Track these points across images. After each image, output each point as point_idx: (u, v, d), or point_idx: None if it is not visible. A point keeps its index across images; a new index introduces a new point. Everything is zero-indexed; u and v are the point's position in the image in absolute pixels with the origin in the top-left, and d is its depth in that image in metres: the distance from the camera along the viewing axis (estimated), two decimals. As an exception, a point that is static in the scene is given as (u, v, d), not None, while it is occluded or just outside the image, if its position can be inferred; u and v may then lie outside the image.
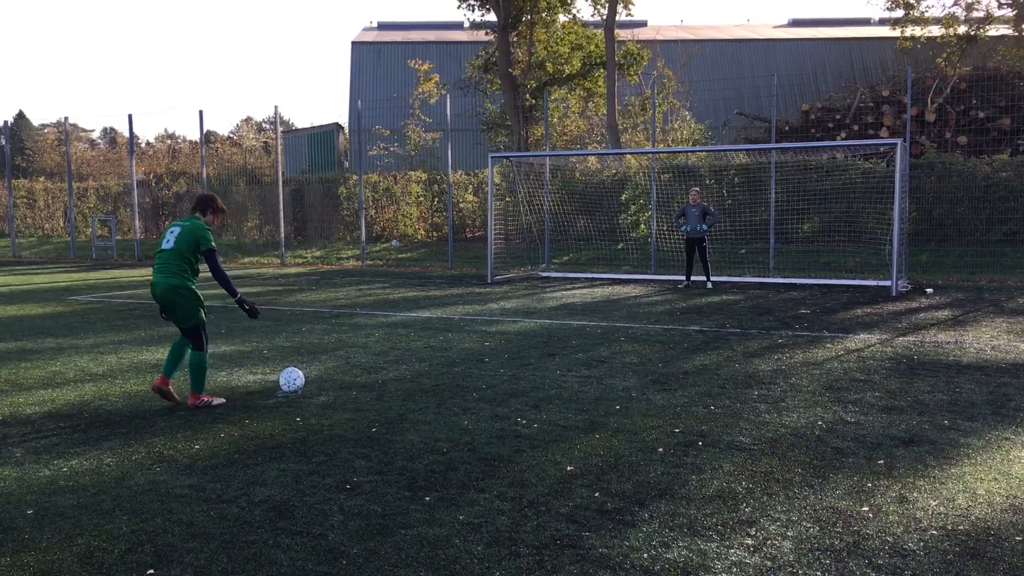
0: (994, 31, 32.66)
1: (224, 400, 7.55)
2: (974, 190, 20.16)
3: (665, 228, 21.12)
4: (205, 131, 26.94)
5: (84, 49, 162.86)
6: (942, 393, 7.57)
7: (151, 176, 34.64)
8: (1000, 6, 31.96)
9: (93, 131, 69.52)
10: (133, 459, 5.91)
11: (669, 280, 18.13)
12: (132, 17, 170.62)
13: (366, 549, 4.35)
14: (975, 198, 20.19)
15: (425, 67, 33.62)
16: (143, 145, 51.09)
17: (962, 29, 31.77)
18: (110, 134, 67.97)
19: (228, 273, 7.74)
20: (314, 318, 12.99)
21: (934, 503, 4.88)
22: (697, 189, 17.03)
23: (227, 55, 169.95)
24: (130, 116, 26.69)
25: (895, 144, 15.99)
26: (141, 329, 12.01)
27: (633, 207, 23.23)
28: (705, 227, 16.41)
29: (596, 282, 18.31)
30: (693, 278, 17.01)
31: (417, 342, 10.62)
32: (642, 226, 22.83)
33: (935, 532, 4.48)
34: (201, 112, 25.36)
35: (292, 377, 7.86)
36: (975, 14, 32.01)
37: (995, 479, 5.28)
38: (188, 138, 53.54)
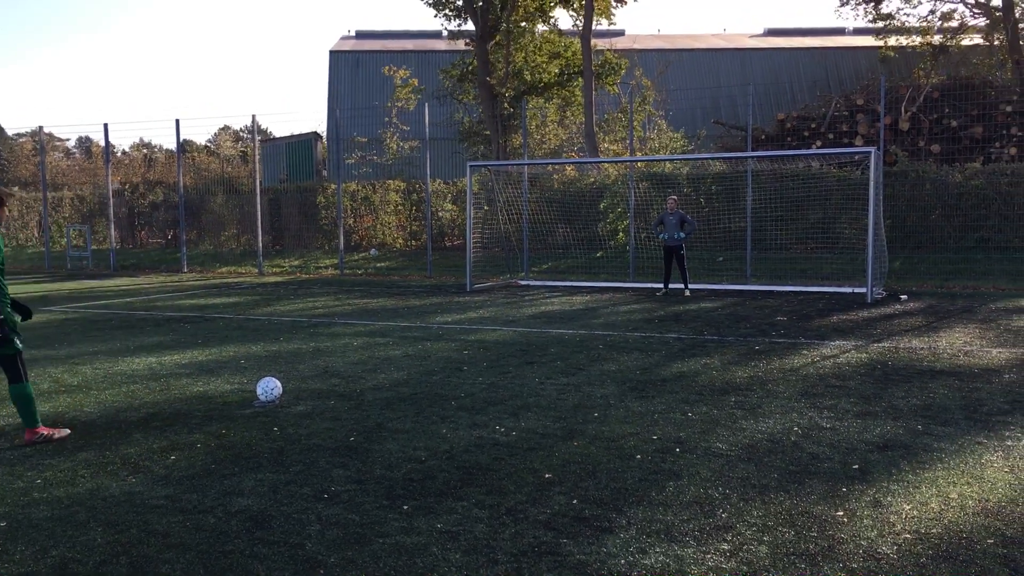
0: (967, 41, 33.18)
1: (69, 431, 6.76)
2: (947, 198, 20.40)
3: (643, 236, 21.21)
4: (182, 140, 26.80)
5: (60, 58, 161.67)
6: (916, 398, 7.65)
7: (127, 186, 34.39)
8: (974, 15, 32.47)
9: (68, 140, 68.95)
10: (108, 470, 5.87)
11: (647, 288, 18.20)
12: (108, 25, 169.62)
13: (343, 558, 4.34)
14: (948, 206, 20.43)
15: (401, 73, 33.59)
16: (119, 154, 50.70)
17: (937, 39, 32.27)
18: (85, 143, 67.38)
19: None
20: (292, 327, 12.94)
21: (908, 507, 4.94)
22: (675, 198, 17.12)
23: (205, 64, 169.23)
24: (106, 125, 26.54)
25: (869, 152, 16.16)
26: (116, 340, 11.92)
27: (612, 215, 23.31)
28: (683, 235, 16.51)
29: (575, 290, 18.36)
30: (671, 286, 17.09)
31: (395, 351, 10.61)
32: (620, 234, 22.91)
33: (908, 536, 4.53)
34: (178, 121, 25.24)
35: (269, 387, 7.83)
36: (950, 23, 32.52)
37: (968, 483, 5.35)
38: (164, 147, 53.17)
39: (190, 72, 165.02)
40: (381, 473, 5.71)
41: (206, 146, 56.27)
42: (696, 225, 17.47)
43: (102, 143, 28.24)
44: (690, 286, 17.07)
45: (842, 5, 33.53)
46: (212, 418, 7.29)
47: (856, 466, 5.70)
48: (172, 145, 30.95)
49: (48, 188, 30.45)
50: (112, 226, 28.54)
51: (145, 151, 50.82)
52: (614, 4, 28.73)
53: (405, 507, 5.05)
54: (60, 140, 61.82)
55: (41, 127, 29.58)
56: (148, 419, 7.28)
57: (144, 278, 23.37)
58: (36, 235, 35.29)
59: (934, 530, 4.60)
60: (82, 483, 5.60)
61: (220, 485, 5.51)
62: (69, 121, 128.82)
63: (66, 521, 4.92)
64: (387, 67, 35.04)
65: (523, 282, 20.16)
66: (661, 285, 17.37)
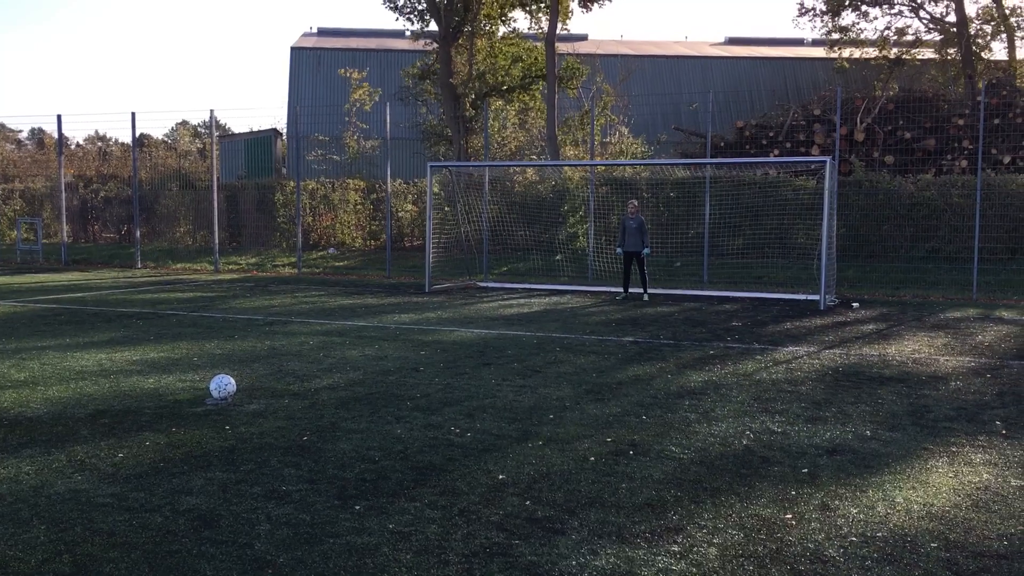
0: (922, 55, 33.87)
1: None
2: (899, 208, 20.76)
3: (604, 240, 21.31)
4: (138, 134, 26.39)
5: (12, 47, 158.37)
6: (865, 404, 7.77)
7: (79, 179, 33.75)
8: (928, 31, 33.15)
9: (20, 132, 67.52)
10: (53, 467, 5.75)
11: (606, 291, 18.28)
12: (64, 14, 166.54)
13: (293, 558, 4.30)
14: (900, 216, 20.80)
15: (356, 75, 33.34)
16: (72, 147, 49.79)
17: (893, 52, 32.90)
18: (38, 135, 66.06)
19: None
20: (247, 325, 12.80)
21: (855, 511, 5.01)
22: (635, 202, 17.23)
23: (163, 57, 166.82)
24: (59, 116, 26.05)
25: (825, 162, 16.40)
26: (66, 335, 11.69)
27: (572, 219, 23.38)
28: (648, 251, 16.73)
29: (534, 293, 18.39)
30: (630, 290, 17.19)
31: (352, 350, 10.54)
32: (580, 238, 23.00)
33: (855, 539, 4.60)
34: (133, 114, 24.84)
35: (223, 383, 7.73)
36: (906, 38, 33.18)
37: (913, 488, 5.45)
38: (120, 140, 52.31)
39: (148, 65, 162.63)
40: (334, 473, 5.67)
41: (164, 140, 55.49)
42: (649, 237, 17.50)
43: (55, 135, 27.71)
44: (648, 291, 17.17)
45: (800, 15, 34.07)
46: (162, 416, 7.18)
47: (805, 470, 5.78)
48: (128, 139, 30.46)
49: (-2, 179, 29.80)
50: (64, 219, 28.00)
51: (100, 144, 49.97)
52: (582, 10, 28.87)
53: (357, 507, 5.02)
54: (12, 131, 60.56)
55: (-8, 117, 28.94)
56: (96, 416, 7.15)
57: (96, 273, 22.96)
58: (-15, 227, 34.46)
59: (880, 533, 4.68)
60: (26, 480, 5.49)
61: (168, 484, 5.43)
62: (21, 112, 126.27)
63: (8, 518, 4.81)
64: (342, 69, 34.75)
65: (482, 284, 20.15)
66: (620, 289, 17.46)
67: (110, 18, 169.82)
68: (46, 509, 4.97)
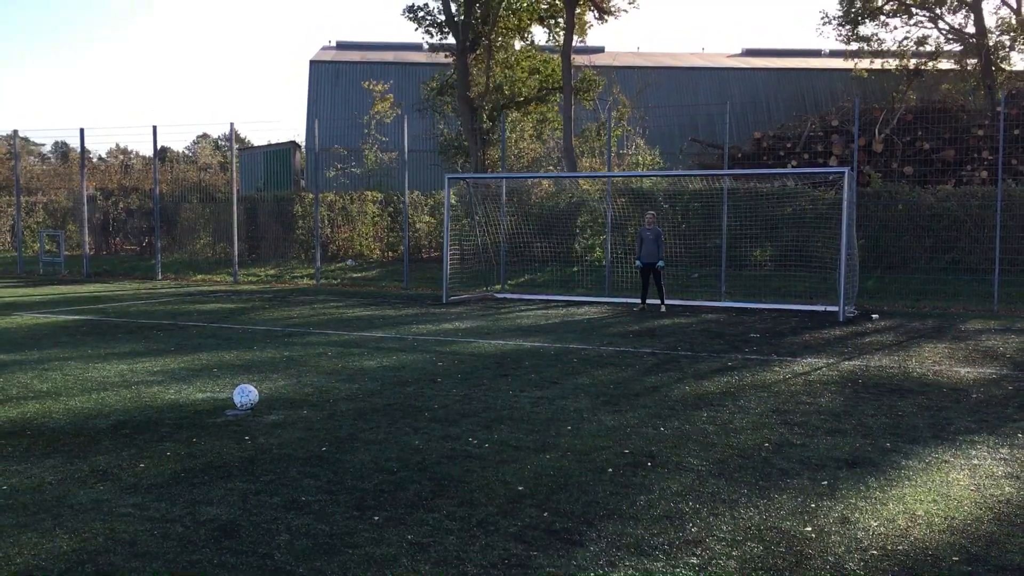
0: (941, 65, 33.73)
1: None
2: (919, 219, 20.65)
3: (620, 252, 21.30)
4: (159, 147, 26.64)
5: (37, 62, 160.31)
6: (885, 416, 7.73)
7: (101, 192, 34.06)
8: (948, 41, 33.02)
9: (44, 145, 68.31)
10: (75, 477, 5.81)
11: (623, 303, 18.25)
12: (88, 30, 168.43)
13: (312, 568, 4.32)
14: (920, 227, 20.68)
15: (379, 88, 33.58)
16: (95, 160, 50.30)
17: (912, 62, 32.82)
18: (61, 148, 66.79)
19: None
20: (266, 336, 12.87)
21: (875, 524, 4.98)
22: (653, 213, 17.22)
23: (185, 71, 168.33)
24: (81, 130, 26.32)
25: (843, 172, 16.34)
26: (88, 346, 11.80)
27: (589, 231, 23.39)
28: (662, 264, 16.69)
29: (551, 304, 18.39)
30: (648, 301, 17.16)
31: (370, 361, 10.58)
32: (597, 250, 22.99)
33: (875, 552, 4.57)
34: (155, 128, 25.07)
35: (247, 390, 7.84)
36: (925, 48, 33.10)
37: (934, 501, 5.41)
38: (141, 153, 52.77)
39: (169, 79, 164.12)
40: (352, 483, 5.69)
41: (184, 153, 55.98)
42: (664, 248, 17.40)
43: (78, 148, 28.01)
44: (666, 302, 17.14)
45: (823, 24, 34.20)
46: (182, 426, 7.23)
47: (825, 482, 5.75)
48: (149, 152, 30.77)
49: (22, 193, 30.13)
50: (86, 232, 28.27)
51: (122, 157, 50.43)
52: (596, 22, 28.97)
53: (376, 518, 5.04)
54: (36, 145, 61.28)
55: (16, 131, 29.28)
56: (117, 426, 7.22)
57: (117, 285, 23.15)
58: (8, 240, 34.86)
59: (900, 547, 4.65)
60: (49, 490, 5.54)
61: (189, 494, 5.47)
62: (45, 126, 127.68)
63: (31, 528, 4.86)
64: (367, 81, 35.00)
65: (499, 295, 20.18)
66: (637, 300, 17.44)
67: (132, 33, 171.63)
68: (69, 519, 5.02)
